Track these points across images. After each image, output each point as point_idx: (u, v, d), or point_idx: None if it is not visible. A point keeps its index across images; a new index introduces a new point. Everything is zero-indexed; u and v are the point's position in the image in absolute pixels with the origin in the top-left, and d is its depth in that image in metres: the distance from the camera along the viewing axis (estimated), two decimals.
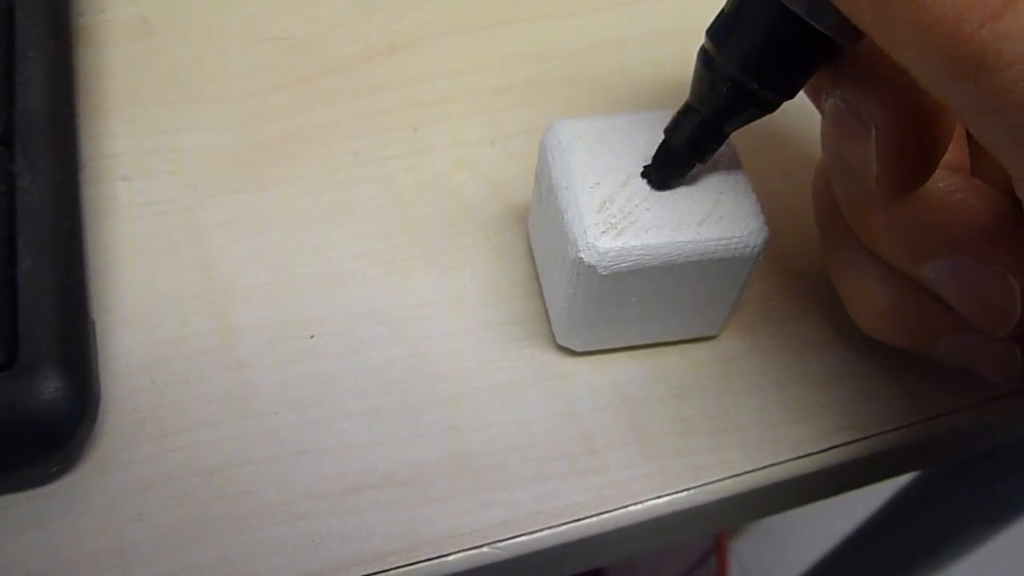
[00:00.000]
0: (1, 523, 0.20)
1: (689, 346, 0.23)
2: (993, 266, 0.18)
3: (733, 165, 0.21)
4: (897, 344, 0.21)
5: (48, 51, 0.24)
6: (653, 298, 0.21)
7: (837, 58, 0.18)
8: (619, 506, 0.21)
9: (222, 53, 0.28)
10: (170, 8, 0.29)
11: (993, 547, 0.50)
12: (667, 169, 0.21)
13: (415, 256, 0.24)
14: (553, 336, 0.23)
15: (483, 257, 0.25)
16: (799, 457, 0.22)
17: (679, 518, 0.22)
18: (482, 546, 0.20)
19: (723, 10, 0.19)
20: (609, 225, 0.20)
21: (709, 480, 0.22)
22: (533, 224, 0.24)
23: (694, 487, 0.21)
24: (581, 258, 0.20)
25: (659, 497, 0.21)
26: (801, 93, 0.19)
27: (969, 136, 0.21)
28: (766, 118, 0.20)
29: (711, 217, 0.20)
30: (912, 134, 0.18)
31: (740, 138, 0.20)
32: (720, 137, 0.20)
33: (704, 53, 0.19)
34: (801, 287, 0.25)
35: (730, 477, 0.22)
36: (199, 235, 0.24)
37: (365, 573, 0.20)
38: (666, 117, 0.21)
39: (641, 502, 0.21)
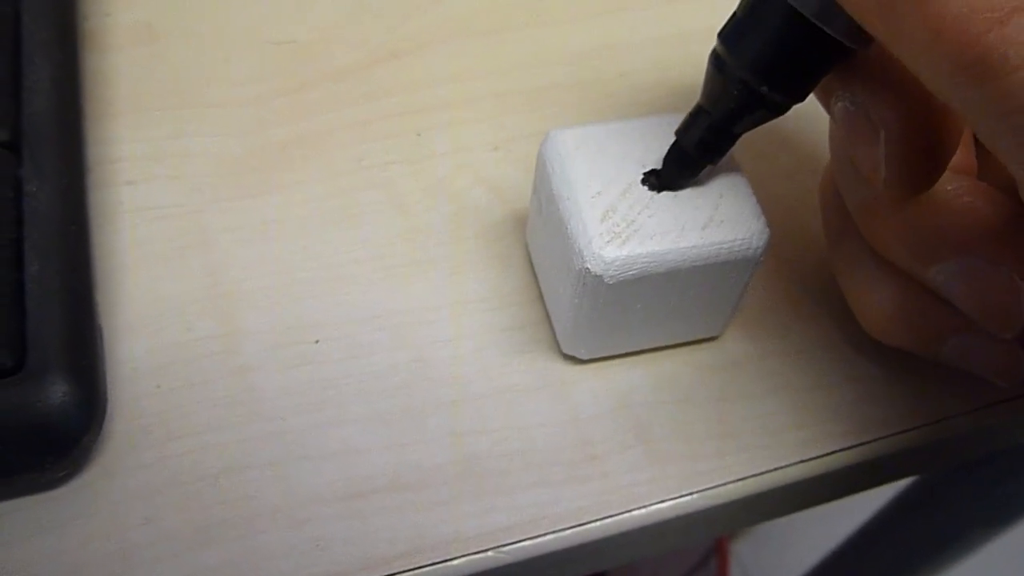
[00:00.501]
0: (9, 527, 0.20)
1: (691, 351, 0.24)
2: (1001, 267, 0.19)
3: (731, 167, 0.21)
4: (903, 346, 0.22)
5: (55, 56, 0.24)
6: (658, 303, 0.21)
7: (847, 62, 0.19)
8: (622, 510, 0.21)
9: (225, 58, 0.28)
10: (174, 13, 0.29)
11: (992, 550, 0.50)
12: (678, 170, 0.21)
13: (418, 261, 0.25)
14: (555, 341, 0.23)
15: (485, 262, 0.25)
16: (802, 461, 0.22)
17: (682, 522, 0.22)
18: (486, 550, 0.21)
19: (735, 13, 0.19)
20: (613, 234, 0.20)
21: (712, 484, 0.22)
22: (533, 235, 0.24)
23: (697, 491, 0.22)
24: (587, 268, 0.20)
25: (662, 502, 0.21)
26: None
27: (976, 139, 0.21)
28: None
29: (713, 221, 0.20)
30: (921, 137, 0.18)
31: (741, 140, 0.20)
32: (730, 139, 0.20)
33: (716, 56, 0.19)
34: (802, 289, 0.25)
35: (733, 481, 0.22)
36: (203, 240, 0.24)
37: None
38: (660, 122, 0.21)
39: (644, 506, 0.21)
